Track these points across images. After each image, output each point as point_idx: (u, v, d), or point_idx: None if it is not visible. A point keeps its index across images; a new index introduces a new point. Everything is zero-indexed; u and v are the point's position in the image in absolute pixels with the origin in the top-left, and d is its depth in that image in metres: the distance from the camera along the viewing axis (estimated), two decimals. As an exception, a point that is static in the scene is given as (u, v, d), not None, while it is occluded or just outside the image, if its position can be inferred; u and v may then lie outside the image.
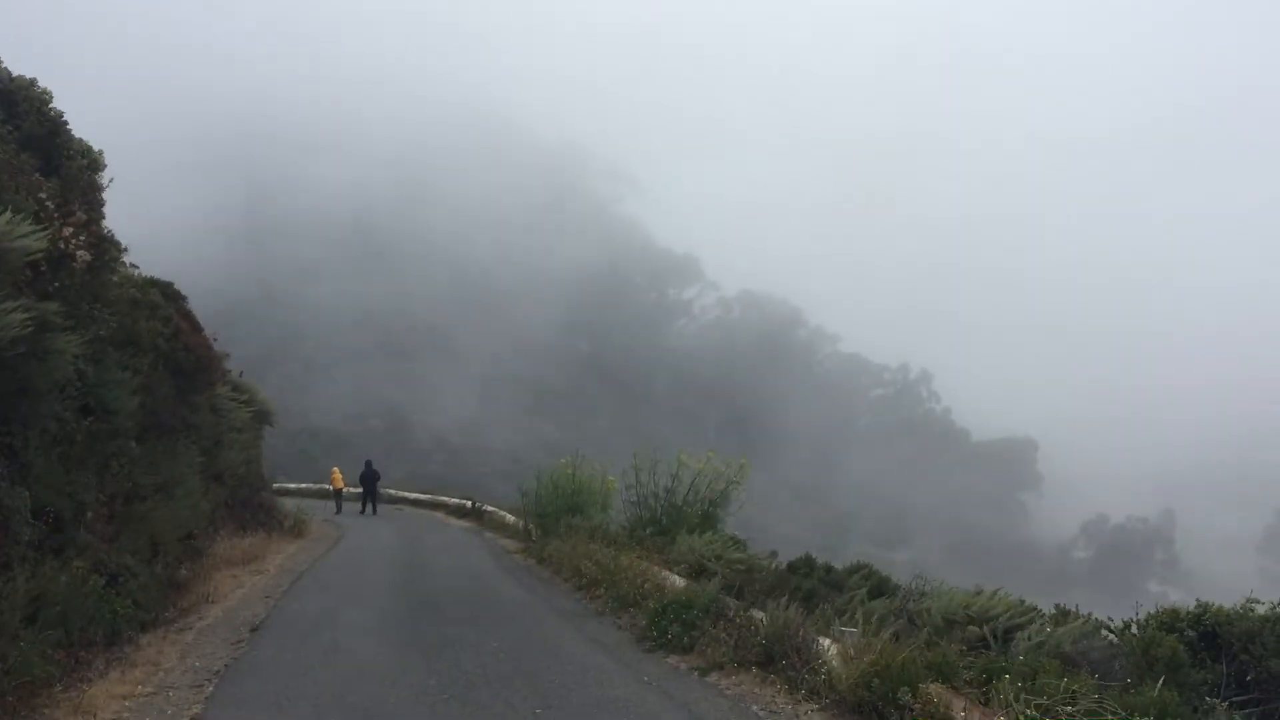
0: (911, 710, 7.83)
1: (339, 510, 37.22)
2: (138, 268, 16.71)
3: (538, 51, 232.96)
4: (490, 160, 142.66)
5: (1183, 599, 13.51)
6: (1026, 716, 7.14)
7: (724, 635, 10.95)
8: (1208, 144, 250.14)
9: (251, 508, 24.39)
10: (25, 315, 9.01)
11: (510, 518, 30.52)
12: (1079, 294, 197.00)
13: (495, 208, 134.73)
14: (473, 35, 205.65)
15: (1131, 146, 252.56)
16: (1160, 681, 7.96)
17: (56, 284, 10.98)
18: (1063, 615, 11.34)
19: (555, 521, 22.92)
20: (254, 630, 12.41)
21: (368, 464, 40.56)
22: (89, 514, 11.69)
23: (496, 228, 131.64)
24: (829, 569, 16.78)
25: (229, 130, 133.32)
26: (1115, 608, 12.01)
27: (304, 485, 42.69)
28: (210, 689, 9.36)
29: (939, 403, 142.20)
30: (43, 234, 9.93)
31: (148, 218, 66.22)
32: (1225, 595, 10.58)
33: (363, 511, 38.29)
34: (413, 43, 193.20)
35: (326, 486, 42.11)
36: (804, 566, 16.80)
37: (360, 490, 40.04)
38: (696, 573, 15.66)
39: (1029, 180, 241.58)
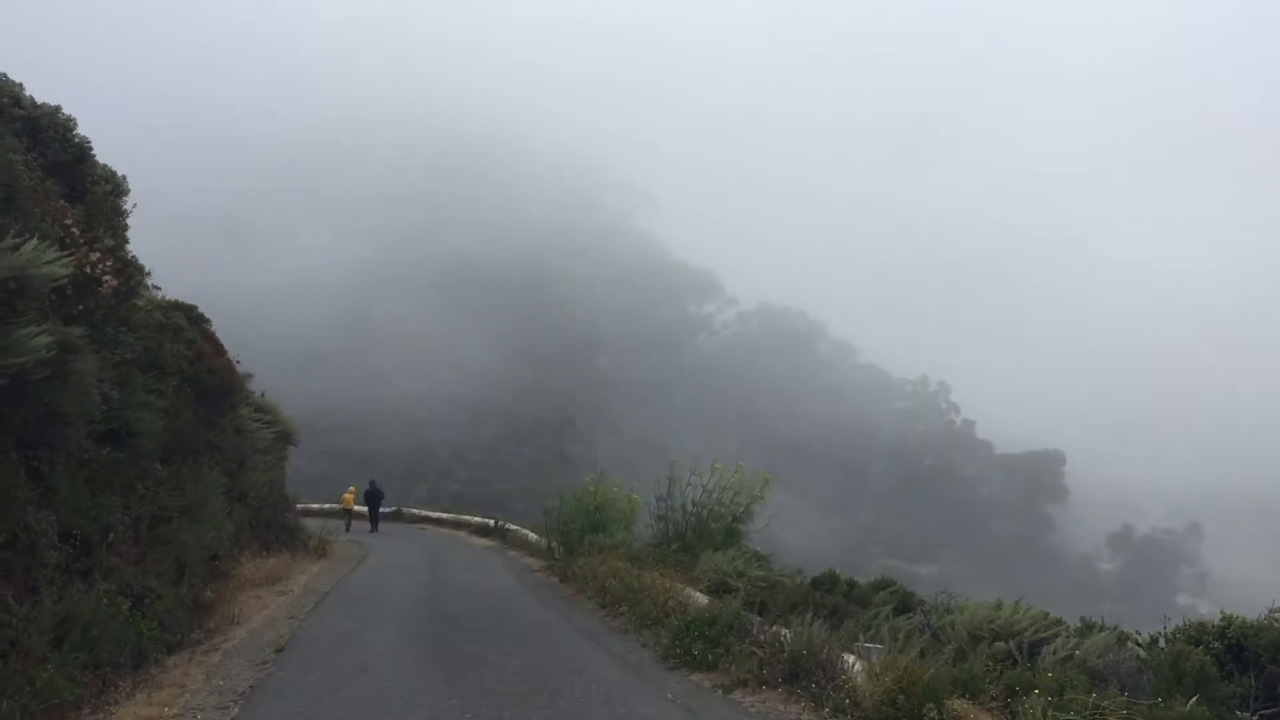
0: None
1: (348, 528, 37.40)
2: (160, 289, 16.84)
3: (549, 65, 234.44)
4: (503, 173, 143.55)
5: (1212, 612, 13.41)
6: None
7: (748, 652, 10.91)
8: (1240, 155, 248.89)
9: (275, 528, 24.48)
10: (49, 339, 9.09)
11: (533, 536, 30.52)
12: (1106, 307, 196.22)
13: (511, 222, 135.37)
14: (482, 50, 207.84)
15: (1164, 158, 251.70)
16: (1192, 697, 7.88)
17: (81, 308, 11.09)
18: (1089, 629, 11.26)
19: (578, 539, 22.90)
20: (279, 651, 12.44)
21: (372, 483, 42.37)
22: (115, 537, 11.76)
23: (514, 242, 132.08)
24: (852, 584, 16.73)
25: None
26: (1143, 621, 11.92)
27: (328, 505, 42.86)
28: (236, 710, 9.39)
29: (959, 415, 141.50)
30: (68, 260, 10.02)
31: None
32: (1256, 608, 10.48)
33: (370, 530, 38.97)
34: (418, 60, 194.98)
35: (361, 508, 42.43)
36: (828, 582, 16.75)
37: (366, 508, 41.06)
38: (719, 590, 15.62)
39: (1056, 193, 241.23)
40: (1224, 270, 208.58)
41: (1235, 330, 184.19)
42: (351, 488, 43.32)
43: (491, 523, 38.97)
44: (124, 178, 14.80)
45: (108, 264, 11.79)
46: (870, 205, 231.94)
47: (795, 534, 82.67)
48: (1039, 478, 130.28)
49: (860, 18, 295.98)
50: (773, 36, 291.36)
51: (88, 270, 11.13)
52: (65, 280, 10.01)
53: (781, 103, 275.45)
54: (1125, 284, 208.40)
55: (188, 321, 17.59)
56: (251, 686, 10.37)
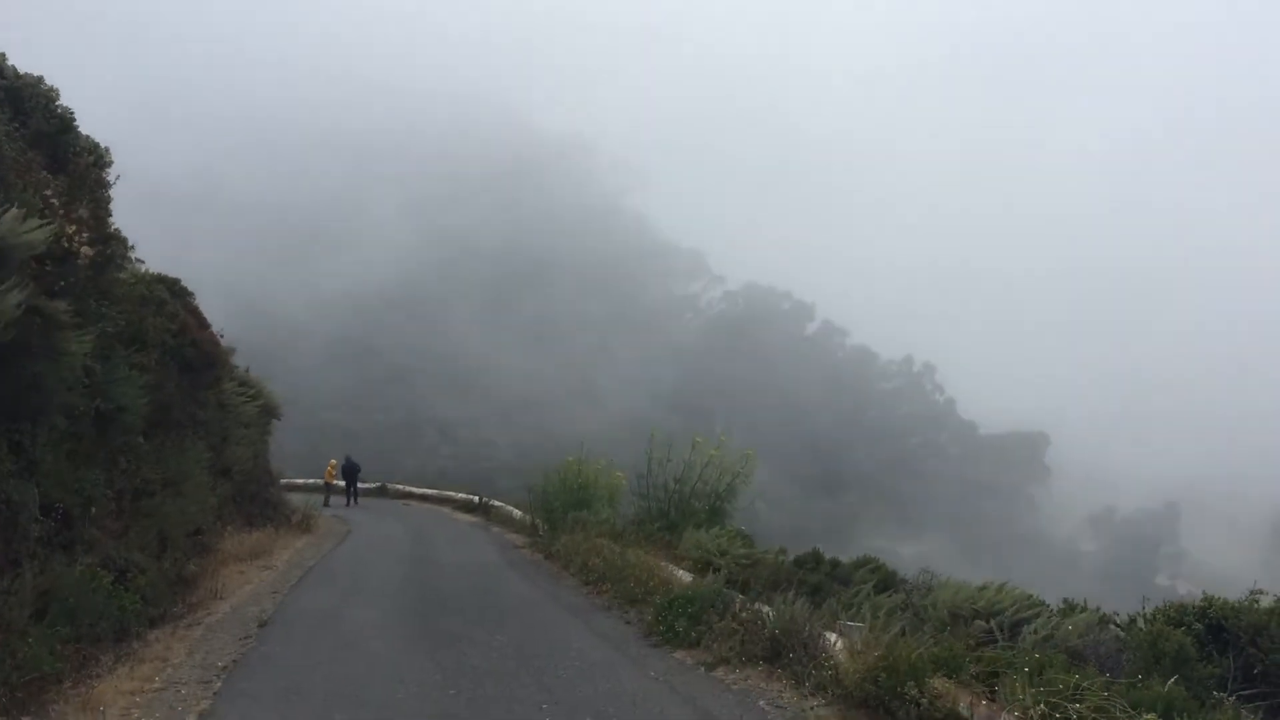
0: (918, 705, 7.81)
1: (326, 503, 37.39)
2: (144, 263, 16.71)
3: (541, 45, 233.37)
4: (494, 150, 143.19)
5: (1192, 592, 13.50)
6: (1034, 711, 7.12)
7: (731, 630, 10.96)
8: (1221, 140, 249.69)
9: (259, 503, 24.44)
10: (19, 297, 8.93)
11: (517, 513, 30.54)
12: (1088, 289, 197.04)
13: (500, 198, 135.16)
14: (475, 29, 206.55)
15: (1147, 145, 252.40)
16: (1171, 678, 7.94)
17: (63, 281, 10.99)
18: (1070, 609, 11.34)
19: (562, 516, 22.94)
20: (262, 625, 12.43)
21: (348, 458, 43.09)
22: (97, 510, 11.72)
23: (501, 219, 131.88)
24: (835, 563, 16.80)
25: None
26: (1123, 601, 12.01)
27: (311, 480, 42.82)
28: (218, 684, 9.38)
29: (943, 395, 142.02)
30: (46, 229, 9.92)
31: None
32: (1234, 589, 10.56)
33: (347, 504, 39.26)
34: (410, 39, 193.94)
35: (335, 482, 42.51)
36: (811, 561, 16.81)
37: (344, 482, 41.63)
38: (703, 568, 15.67)
39: (1037, 177, 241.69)
40: (1206, 250, 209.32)
41: (1221, 312, 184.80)
42: (333, 461, 43.42)
43: (476, 499, 38.98)
44: (107, 149, 14.63)
45: (84, 235, 11.67)
46: (860, 186, 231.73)
47: (780, 513, 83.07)
48: (1022, 459, 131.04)
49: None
50: (766, 22, 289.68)
51: (64, 243, 11.02)
52: (42, 249, 9.91)
53: (772, 81, 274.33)
54: (1109, 265, 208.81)
55: (170, 295, 17.47)
56: (234, 661, 10.36)
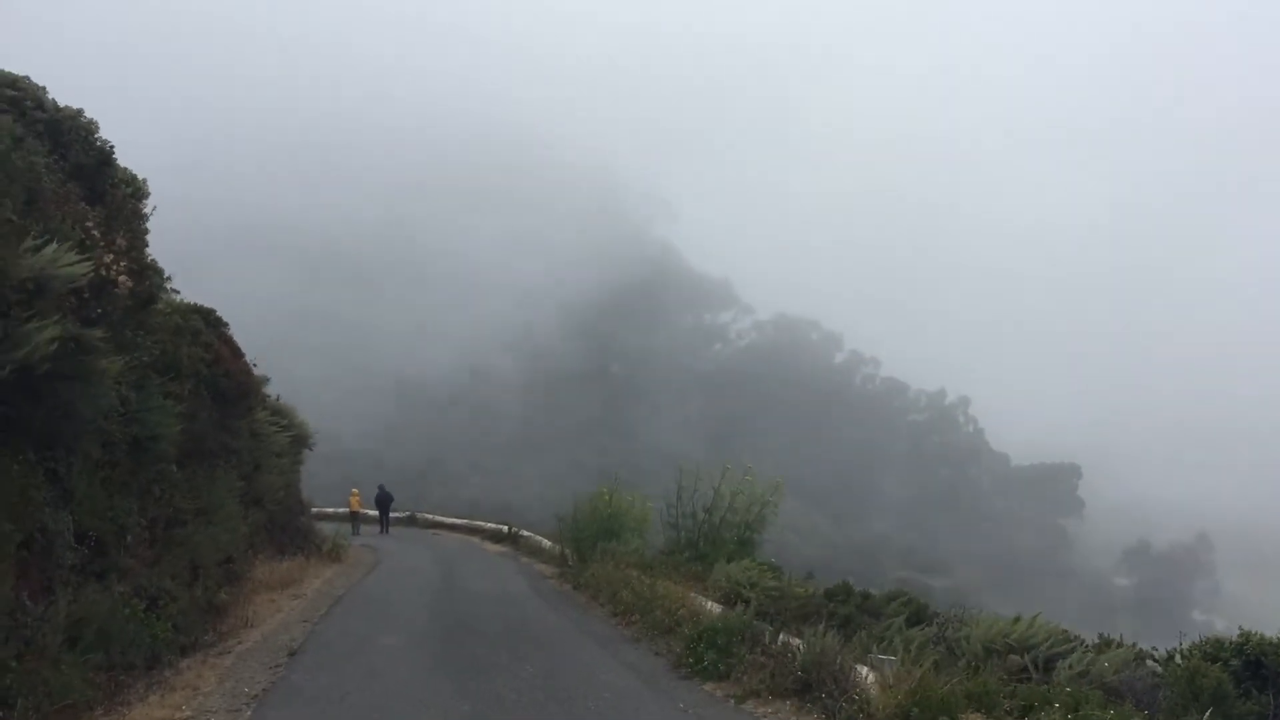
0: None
1: (356, 532, 37.47)
2: (179, 293, 16.92)
3: (571, 77, 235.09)
4: (523, 182, 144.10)
5: (1228, 627, 13.28)
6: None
7: (760, 662, 10.87)
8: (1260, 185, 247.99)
9: (290, 532, 24.52)
10: (56, 331, 9.06)
11: (546, 543, 30.48)
12: (1121, 320, 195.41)
13: (527, 230, 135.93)
14: (505, 57, 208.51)
15: (1194, 173, 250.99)
16: (1206, 713, 7.81)
17: (100, 310, 11.14)
18: (1105, 644, 11.17)
19: (591, 547, 22.87)
20: (292, 654, 12.45)
21: (381, 488, 42.93)
22: (130, 538, 11.81)
23: (529, 251, 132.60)
24: (866, 595, 16.65)
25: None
26: (1159, 636, 11.82)
27: (342, 509, 42.93)
28: (248, 713, 9.40)
29: (975, 427, 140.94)
30: (86, 262, 10.07)
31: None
32: (1271, 624, 10.39)
33: (380, 532, 39.54)
34: (441, 65, 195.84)
35: (368, 510, 42.59)
36: (841, 593, 16.67)
37: (377, 512, 41.78)
38: (732, 599, 15.57)
39: (1076, 208, 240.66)
40: (1246, 283, 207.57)
41: (1254, 343, 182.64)
42: (355, 490, 43.36)
43: (505, 529, 38.95)
44: (144, 181, 14.88)
45: (122, 265, 11.84)
46: (890, 220, 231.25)
47: (809, 544, 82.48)
48: (1054, 491, 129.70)
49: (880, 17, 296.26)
50: (792, 40, 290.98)
51: (103, 272, 11.17)
52: (83, 281, 10.06)
53: (799, 112, 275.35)
54: (1143, 301, 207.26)
55: (205, 325, 17.65)
56: (264, 689, 10.39)
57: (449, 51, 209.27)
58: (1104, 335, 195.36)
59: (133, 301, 12.41)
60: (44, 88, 13.49)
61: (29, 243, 9.36)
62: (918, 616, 14.42)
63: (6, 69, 13.23)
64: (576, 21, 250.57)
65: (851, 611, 15.06)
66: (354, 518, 40.29)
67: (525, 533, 35.95)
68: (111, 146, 13.94)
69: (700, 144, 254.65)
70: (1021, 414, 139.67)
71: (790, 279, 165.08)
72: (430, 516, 49.16)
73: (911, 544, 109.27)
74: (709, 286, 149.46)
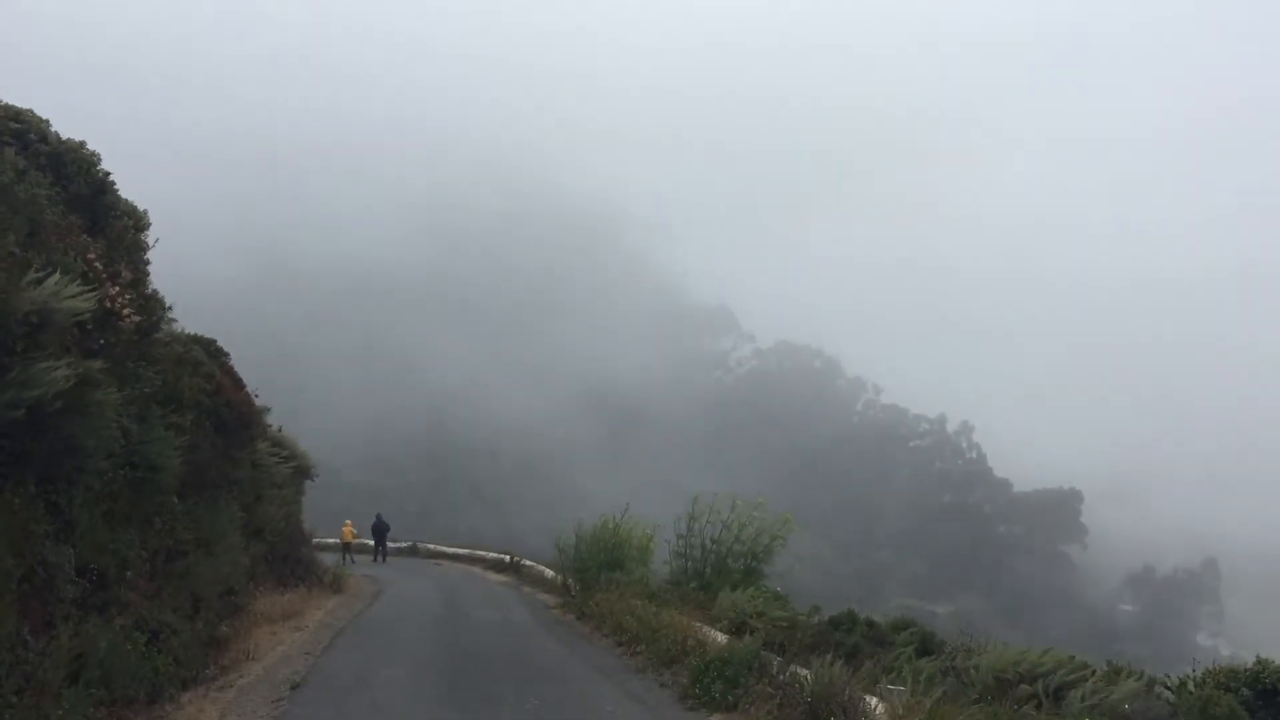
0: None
1: (351, 561, 37.24)
2: (176, 321, 16.85)
3: (568, 104, 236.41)
4: (520, 212, 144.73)
5: (1236, 654, 13.19)
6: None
7: (768, 693, 10.77)
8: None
9: (291, 563, 24.37)
10: (68, 372, 9.06)
11: (549, 572, 30.31)
12: (1125, 348, 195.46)
13: (525, 259, 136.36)
14: (504, 88, 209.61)
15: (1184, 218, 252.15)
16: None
17: (103, 342, 11.11)
18: (1115, 672, 11.07)
19: (595, 576, 22.73)
20: (294, 688, 12.34)
21: (378, 516, 43.20)
22: (131, 571, 11.72)
23: (526, 280, 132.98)
24: (871, 624, 16.56)
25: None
26: (1165, 662, 11.73)
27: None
28: (250, 749, 9.30)
29: (977, 453, 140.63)
30: (91, 295, 10.05)
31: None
32: (1276, 648, 10.31)
33: (375, 560, 39.81)
34: (439, 96, 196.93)
35: (362, 540, 42.36)
36: (846, 622, 16.57)
37: (373, 541, 41.99)
38: (738, 629, 15.45)
39: (1075, 232, 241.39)
40: (1245, 302, 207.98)
41: (1257, 370, 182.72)
42: (348, 522, 42.92)
43: (507, 558, 38.78)
44: (145, 212, 14.88)
45: (128, 298, 11.82)
46: (890, 246, 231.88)
47: (811, 571, 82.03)
48: (1057, 517, 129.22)
49: (880, 40, 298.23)
50: (793, 81, 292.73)
51: (108, 305, 11.15)
52: (87, 315, 10.03)
53: (795, 138, 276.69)
54: (1143, 326, 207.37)
55: (207, 355, 17.61)
56: (266, 724, 10.28)
57: (429, 85, 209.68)
58: (1106, 362, 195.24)
59: (138, 335, 12.38)
60: (47, 120, 13.51)
61: (31, 275, 9.33)
62: (926, 646, 14.34)
63: (10, 102, 13.27)
64: (571, 53, 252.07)
65: (858, 641, 14.97)
66: (346, 549, 39.85)
67: (528, 562, 35.80)
68: (111, 177, 13.96)
69: (701, 170, 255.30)
70: (1023, 440, 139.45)
71: (791, 307, 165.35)
72: (432, 546, 49.00)
73: (914, 571, 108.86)
74: (708, 314, 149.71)
